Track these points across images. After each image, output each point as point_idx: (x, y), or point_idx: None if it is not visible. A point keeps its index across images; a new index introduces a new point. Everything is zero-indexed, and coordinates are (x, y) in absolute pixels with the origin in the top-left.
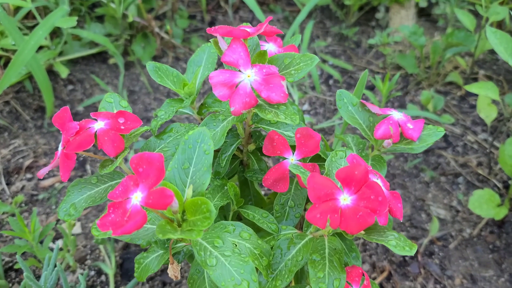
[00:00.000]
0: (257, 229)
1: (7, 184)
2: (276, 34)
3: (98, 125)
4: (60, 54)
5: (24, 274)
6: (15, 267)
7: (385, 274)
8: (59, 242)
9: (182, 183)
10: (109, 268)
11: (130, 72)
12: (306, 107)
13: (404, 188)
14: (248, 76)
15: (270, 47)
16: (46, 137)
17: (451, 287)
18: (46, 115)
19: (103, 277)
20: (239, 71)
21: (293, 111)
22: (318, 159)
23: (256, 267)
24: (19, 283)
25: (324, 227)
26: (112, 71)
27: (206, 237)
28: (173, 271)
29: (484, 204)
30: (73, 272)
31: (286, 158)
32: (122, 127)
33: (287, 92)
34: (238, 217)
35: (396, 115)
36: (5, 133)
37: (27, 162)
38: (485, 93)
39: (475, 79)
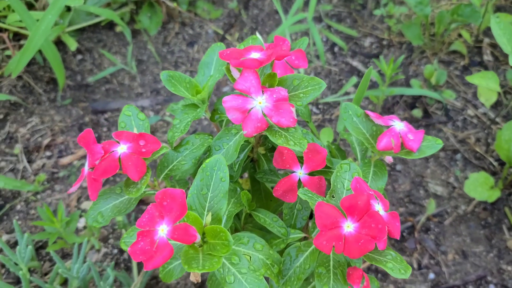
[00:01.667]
0: (268, 230)
1: (28, 162)
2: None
3: (121, 149)
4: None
5: (60, 270)
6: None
7: None
8: (86, 239)
9: (201, 207)
10: None
11: (137, 40)
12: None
13: (404, 164)
14: (260, 103)
15: None
16: (60, 112)
17: (444, 262)
18: (58, 87)
19: (125, 255)
20: (251, 97)
21: (301, 135)
22: (325, 169)
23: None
24: (50, 260)
25: (330, 252)
26: (120, 39)
27: None
28: (195, 276)
29: (478, 187)
30: (98, 251)
31: (294, 172)
32: (143, 150)
33: (296, 117)
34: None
35: (398, 126)
36: (21, 110)
37: (45, 141)
38: (486, 83)
39: (479, 48)
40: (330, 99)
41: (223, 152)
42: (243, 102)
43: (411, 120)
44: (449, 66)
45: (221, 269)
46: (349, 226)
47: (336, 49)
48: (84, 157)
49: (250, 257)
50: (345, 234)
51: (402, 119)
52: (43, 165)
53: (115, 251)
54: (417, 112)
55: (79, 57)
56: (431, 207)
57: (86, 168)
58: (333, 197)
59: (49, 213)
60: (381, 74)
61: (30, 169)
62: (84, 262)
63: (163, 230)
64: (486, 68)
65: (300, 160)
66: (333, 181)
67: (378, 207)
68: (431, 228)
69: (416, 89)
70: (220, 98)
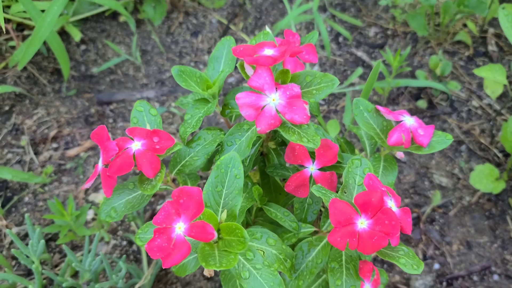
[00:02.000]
0: (278, 224)
1: (35, 154)
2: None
3: (135, 145)
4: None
5: (73, 264)
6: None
7: None
8: (98, 233)
9: (216, 203)
10: None
11: (141, 30)
12: (316, 68)
13: (409, 155)
14: (273, 100)
15: None
16: (65, 103)
17: (449, 252)
18: (63, 78)
19: (134, 247)
20: (265, 94)
21: (314, 132)
22: (336, 164)
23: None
24: (59, 252)
25: (344, 249)
26: (124, 29)
27: None
28: (208, 271)
29: (484, 178)
30: (107, 243)
31: (306, 167)
32: (157, 147)
33: (309, 114)
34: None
35: (408, 121)
36: (26, 101)
37: (52, 133)
38: (493, 76)
39: (484, 38)
40: (336, 90)
41: (235, 148)
42: (256, 99)
43: (416, 111)
44: (454, 56)
45: (236, 264)
46: (363, 223)
47: (340, 39)
48: (91, 148)
49: (264, 252)
50: (359, 230)
51: (407, 110)
52: (50, 157)
53: (124, 243)
54: (422, 103)
55: (83, 47)
56: (437, 198)
57: (100, 164)
58: (345, 192)
59: (60, 207)
60: (386, 64)
61: (37, 161)
62: (96, 255)
63: (180, 227)
64: (490, 58)
65: (312, 155)
66: (345, 177)
67: (391, 204)
68: (436, 219)
69: (422, 80)
70: (230, 92)
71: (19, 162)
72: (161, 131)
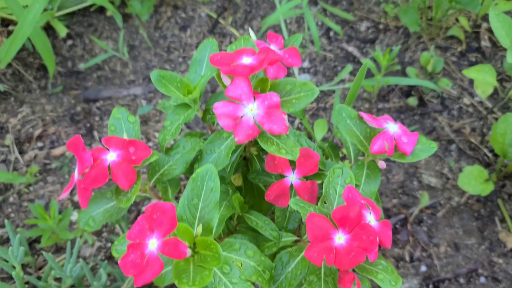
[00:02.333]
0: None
1: (20, 153)
2: (279, 46)
3: (111, 156)
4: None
5: (53, 271)
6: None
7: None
8: (78, 239)
9: (192, 216)
10: None
11: (128, 25)
12: (306, 64)
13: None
14: (251, 110)
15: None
16: (51, 101)
17: (436, 254)
18: (49, 74)
19: None
20: (242, 104)
21: (293, 143)
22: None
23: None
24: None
25: (320, 265)
26: (111, 24)
27: None
28: None
29: (472, 180)
30: (92, 245)
31: (286, 176)
32: (133, 157)
33: (287, 125)
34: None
35: (392, 128)
36: (11, 99)
37: (37, 132)
38: (483, 77)
39: (477, 33)
40: (325, 87)
41: (214, 157)
42: (234, 109)
43: (407, 109)
44: (446, 52)
45: (212, 278)
46: (340, 238)
47: (331, 33)
48: None
49: (242, 264)
50: (336, 246)
51: (397, 108)
52: (35, 156)
53: (109, 244)
54: (413, 101)
55: (70, 42)
56: (424, 199)
57: (76, 175)
58: (325, 203)
59: (42, 211)
60: (376, 61)
61: (22, 160)
62: (78, 257)
63: (153, 244)
64: (483, 54)
65: (292, 164)
66: (325, 187)
67: (370, 218)
68: (424, 220)
69: (412, 78)
70: (212, 97)
71: (3, 161)
72: (137, 141)
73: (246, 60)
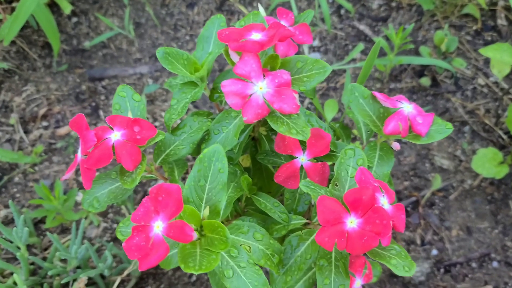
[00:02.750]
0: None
1: (25, 132)
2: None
3: (115, 136)
4: None
5: (58, 253)
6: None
7: None
8: (83, 220)
9: (199, 199)
10: None
11: (134, 2)
12: (316, 43)
13: None
14: (261, 88)
15: None
16: (56, 79)
17: (448, 238)
18: (53, 52)
19: None
20: (251, 82)
21: (304, 123)
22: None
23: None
24: None
25: (332, 249)
26: (116, 0)
27: None
28: None
29: (486, 163)
30: (98, 226)
31: (296, 157)
32: (138, 137)
33: (298, 104)
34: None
35: (406, 108)
36: (15, 77)
37: (41, 111)
38: (500, 56)
39: (493, 11)
40: (336, 66)
41: (222, 137)
42: (242, 87)
43: (419, 89)
44: (461, 30)
45: (220, 262)
46: (352, 222)
47: (342, 11)
48: None
49: (250, 248)
50: (348, 230)
51: (410, 88)
52: (40, 136)
53: (115, 225)
54: (425, 81)
55: (74, 19)
56: (437, 182)
57: (79, 154)
58: (337, 185)
59: (46, 191)
60: (388, 39)
61: (27, 140)
62: (84, 238)
63: (158, 226)
64: (499, 33)
65: (303, 145)
66: (336, 169)
67: (383, 201)
68: (435, 203)
69: (425, 58)
70: (220, 75)
71: (8, 140)
72: (142, 120)
73: (256, 36)
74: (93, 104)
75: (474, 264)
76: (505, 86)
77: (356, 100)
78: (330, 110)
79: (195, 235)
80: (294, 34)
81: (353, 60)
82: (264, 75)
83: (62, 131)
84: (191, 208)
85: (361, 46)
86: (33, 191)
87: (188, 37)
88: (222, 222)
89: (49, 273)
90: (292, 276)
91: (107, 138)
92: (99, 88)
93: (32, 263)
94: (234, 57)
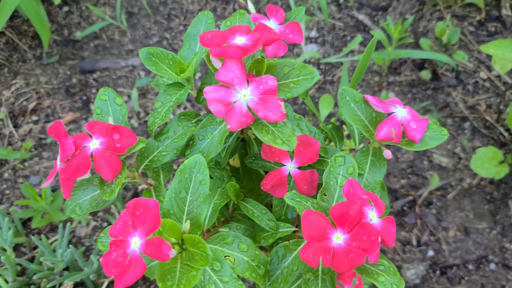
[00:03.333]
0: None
1: (15, 127)
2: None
3: (94, 144)
4: None
5: (42, 258)
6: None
7: None
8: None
9: (180, 211)
10: None
11: None
12: (313, 33)
13: None
14: (244, 96)
15: (270, 26)
16: (46, 71)
17: (444, 238)
18: (43, 44)
19: None
20: (235, 89)
21: (291, 131)
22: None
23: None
24: (38, 233)
25: (316, 266)
26: None
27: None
28: None
29: (486, 162)
30: (87, 225)
31: (284, 165)
32: (118, 145)
33: (284, 112)
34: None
35: (400, 113)
36: (5, 69)
37: (31, 105)
38: (502, 53)
39: (498, 1)
40: (333, 59)
41: (207, 143)
42: (226, 94)
43: (419, 83)
44: (464, 21)
45: (202, 276)
46: (338, 238)
47: (341, 0)
48: (72, 121)
49: (234, 259)
50: (334, 246)
51: (409, 81)
52: (30, 130)
53: (105, 224)
54: (426, 74)
55: (65, 9)
56: (434, 182)
57: (58, 162)
58: (325, 195)
59: (33, 192)
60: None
61: (17, 135)
62: (73, 238)
63: (135, 243)
64: (504, 24)
65: (291, 152)
66: (325, 178)
67: (372, 215)
68: (433, 202)
69: (425, 52)
70: (206, 76)
71: None
72: (122, 128)
73: (240, 40)
74: (84, 97)
75: (471, 266)
76: (508, 80)
77: (347, 105)
78: (325, 106)
79: (173, 252)
80: (280, 38)
81: (352, 52)
82: (248, 82)
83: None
84: (171, 222)
85: (359, 38)
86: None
87: (182, 27)
88: (208, 230)
89: (35, 277)
90: None
91: (85, 146)
92: (90, 81)
93: (19, 264)
94: (216, 63)
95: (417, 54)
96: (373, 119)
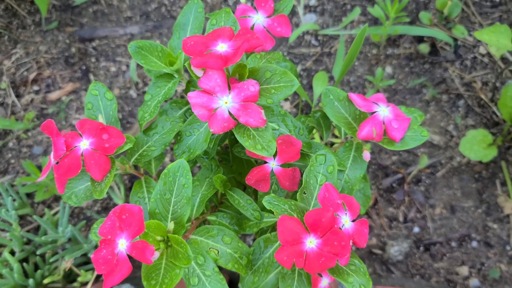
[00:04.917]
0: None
1: (17, 96)
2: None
3: (84, 144)
4: None
5: (43, 237)
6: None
7: (371, 201)
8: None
9: (165, 210)
10: (119, 198)
11: None
12: (313, 2)
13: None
14: (226, 103)
15: (257, 20)
16: (46, 39)
17: (430, 216)
18: (41, 10)
19: (115, 201)
20: (217, 96)
21: (271, 137)
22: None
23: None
24: (43, 203)
25: (290, 268)
26: None
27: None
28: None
29: (475, 145)
30: None
31: (267, 162)
32: (107, 145)
33: (265, 118)
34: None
35: (382, 112)
36: (5, 37)
37: (31, 75)
38: (497, 39)
39: None
40: (331, 31)
41: (193, 139)
42: (208, 100)
43: (417, 56)
44: None
45: (186, 269)
46: (311, 242)
47: None
48: (72, 92)
49: (218, 252)
50: (307, 250)
51: (407, 54)
52: (32, 100)
53: (106, 196)
54: (424, 47)
55: None
56: (423, 161)
57: (52, 159)
58: (305, 193)
59: (33, 168)
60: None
61: (19, 104)
62: (75, 209)
63: (122, 244)
64: None
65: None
66: (305, 177)
67: (345, 219)
68: (422, 179)
69: (422, 28)
70: None
71: (1, 104)
72: (111, 128)
73: (221, 47)
74: (83, 67)
75: (453, 244)
76: (508, 56)
77: (330, 103)
78: (319, 84)
79: (156, 255)
80: (262, 44)
81: (351, 22)
82: (230, 88)
83: (53, 96)
84: (156, 222)
85: (357, 10)
86: (27, 157)
87: None
88: (197, 218)
89: (38, 252)
90: (259, 278)
91: (76, 146)
92: (89, 50)
93: (28, 230)
94: (197, 71)
95: (414, 31)
96: (356, 117)
